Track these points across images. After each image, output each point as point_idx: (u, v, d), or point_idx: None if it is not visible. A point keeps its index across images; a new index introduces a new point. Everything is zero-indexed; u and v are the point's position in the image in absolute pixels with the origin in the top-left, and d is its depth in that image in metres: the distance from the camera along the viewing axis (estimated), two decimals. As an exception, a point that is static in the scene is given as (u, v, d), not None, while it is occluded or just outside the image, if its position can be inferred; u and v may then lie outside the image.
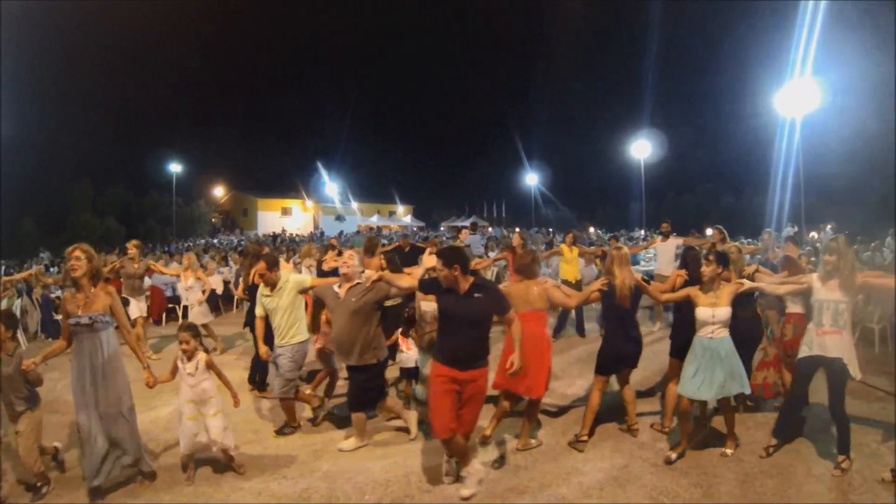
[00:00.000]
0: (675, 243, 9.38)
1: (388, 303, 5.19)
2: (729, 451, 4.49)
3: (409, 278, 4.61)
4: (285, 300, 4.99)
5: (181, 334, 4.23)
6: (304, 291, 5.11)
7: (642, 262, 14.14)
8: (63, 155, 35.62)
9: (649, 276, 11.50)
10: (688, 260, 5.11)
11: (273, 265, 5.07)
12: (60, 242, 29.59)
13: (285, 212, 52.81)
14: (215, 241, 33.62)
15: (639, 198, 37.28)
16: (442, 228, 47.64)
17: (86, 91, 43.90)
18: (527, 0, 76.60)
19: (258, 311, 5.23)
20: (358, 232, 40.31)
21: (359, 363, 4.65)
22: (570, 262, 8.88)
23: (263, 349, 5.23)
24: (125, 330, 4.19)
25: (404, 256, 9.88)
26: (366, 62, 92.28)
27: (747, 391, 4.55)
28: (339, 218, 49.49)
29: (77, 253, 4.00)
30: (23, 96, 30.69)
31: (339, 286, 4.73)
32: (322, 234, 38.39)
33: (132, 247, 8.47)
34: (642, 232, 31.67)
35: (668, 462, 4.36)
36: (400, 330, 5.77)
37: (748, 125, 30.53)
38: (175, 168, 41.78)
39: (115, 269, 8.12)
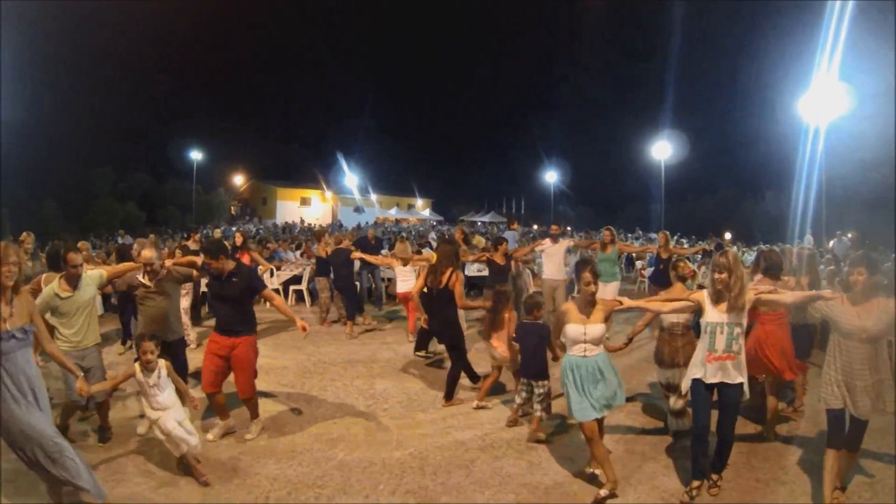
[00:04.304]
0: (565, 245, 8.99)
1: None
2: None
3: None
4: (87, 297, 4.68)
5: (144, 344, 4.04)
6: (102, 287, 4.93)
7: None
8: (86, 141, 36.08)
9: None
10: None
11: (82, 260, 4.66)
12: (82, 226, 30.18)
13: (304, 202, 53.08)
14: (234, 228, 33.88)
15: (659, 199, 36.98)
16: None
17: (110, 79, 44.47)
18: (550, -3, 75.93)
19: (51, 319, 4.54)
20: (375, 223, 40.46)
21: (169, 339, 4.87)
22: None
23: (81, 382, 3.89)
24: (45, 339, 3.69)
25: (370, 247, 11.47)
26: (387, 56, 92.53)
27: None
28: (358, 209, 49.63)
29: (14, 258, 3.31)
30: (49, 84, 31.31)
31: (142, 276, 4.95)
32: (341, 225, 38.55)
33: (26, 240, 7.53)
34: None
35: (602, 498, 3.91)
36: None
37: (772, 129, 29.99)
38: (196, 156, 42.30)
39: None
